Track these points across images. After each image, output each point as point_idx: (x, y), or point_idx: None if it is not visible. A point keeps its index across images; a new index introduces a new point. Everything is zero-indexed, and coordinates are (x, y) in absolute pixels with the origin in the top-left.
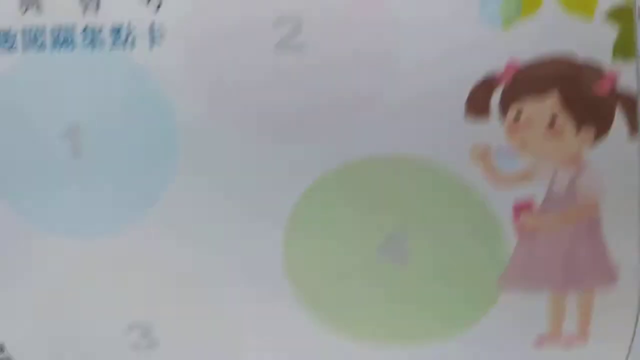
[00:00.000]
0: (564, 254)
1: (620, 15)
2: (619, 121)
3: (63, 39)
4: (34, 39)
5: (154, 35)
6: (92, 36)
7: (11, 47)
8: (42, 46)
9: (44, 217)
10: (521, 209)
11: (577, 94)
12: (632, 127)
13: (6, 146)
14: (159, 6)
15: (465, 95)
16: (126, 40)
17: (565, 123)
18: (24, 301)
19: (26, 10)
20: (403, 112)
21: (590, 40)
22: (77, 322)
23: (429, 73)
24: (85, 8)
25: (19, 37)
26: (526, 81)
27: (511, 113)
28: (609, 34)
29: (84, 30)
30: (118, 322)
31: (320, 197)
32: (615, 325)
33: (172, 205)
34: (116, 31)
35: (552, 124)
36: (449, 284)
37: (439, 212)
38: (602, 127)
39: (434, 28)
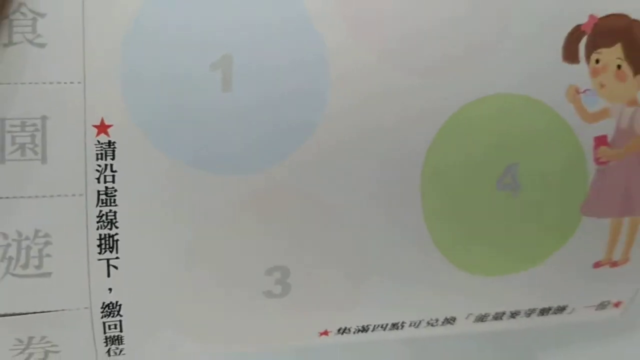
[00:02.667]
0: (624, 182)
1: None
2: None
3: None
4: None
5: None
6: None
7: None
8: None
9: (191, 153)
10: (599, 142)
11: (634, 46)
12: None
13: (152, 76)
14: None
15: (562, 43)
16: None
17: (627, 69)
18: (161, 244)
19: None
20: (517, 56)
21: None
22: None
23: (535, 22)
24: None
25: None
26: (600, 34)
27: (592, 60)
28: None
29: None
30: (259, 266)
31: (452, 133)
32: None
33: (321, 142)
34: None
35: (619, 69)
36: (547, 210)
37: (543, 144)
38: None
39: None
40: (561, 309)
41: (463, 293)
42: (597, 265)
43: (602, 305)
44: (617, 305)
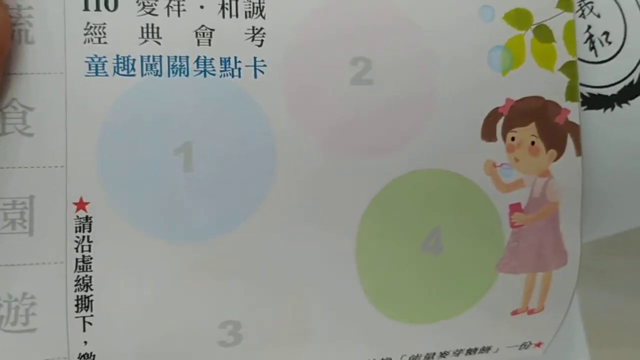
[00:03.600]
0: (537, 243)
1: (569, 69)
2: (570, 145)
3: (178, 67)
4: (151, 66)
5: (256, 67)
6: (204, 66)
7: (130, 71)
8: (158, 73)
9: (156, 225)
10: (513, 209)
11: (546, 125)
12: (577, 148)
13: (124, 160)
14: (261, 44)
15: (481, 124)
16: (234, 69)
17: (540, 145)
18: (128, 303)
19: (145, 41)
20: (441, 137)
21: (553, 86)
22: (174, 322)
23: (458, 107)
24: (199, 42)
25: (137, 63)
26: (517, 115)
27: (508, 137)
28: (564, 81)
29: (197, 60)
30: (213, 321)
31: (383, 205)
32: (559, 298)
33: (268, 213)
34: (226, 61)
35: (532, 145)
36: (466, 268)
37: (463, 212)
38: (560, 148)
39: (466, 67)
40: (486, 349)
41: (395, 338)
42: (514, 313)
43: (524, 345)
44: (538, 345)
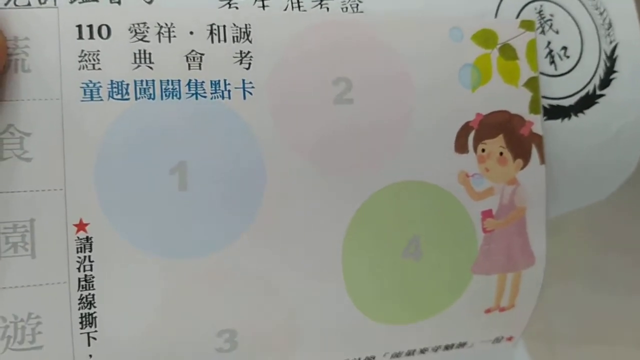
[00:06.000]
0: (507, 245)
1: (531, 84)
2: (534, 154)
3: (171, 91)
4: (144, 90)
5: (245, 88)
6: (195, 89)
7: (124, 95)
8: (151, 96)
9: (154, 243)
10: (485, 215)
11: (512, 136)
12: (541, 157)
13: (121, 181)
14: (248, 66)
15: (454, 137)
16: (223, 91)
17: (508, 155)
18: (130, 317)
19: (138, 66)
20: (417, 150)
21: (517, 100)
22: (174, 333)
23: (432, 123)
24: (189, 66)
25: (131, 87)
26: (486, 128)
27: (479, 149)
28: (527, 95)
29: (188, 83)
30: (210, 330)
31: (366, 217)
32: (528, 296)
33: (260, 229)
34: (216, 84)
35: (501, 156)
36: (444, 271)
37: (440, 220)
38: (526, 157)
39: (439, 85)
40: (462, 344)
41: (379, 338)
42: (487, 311)
43: (497, 340)
44: (509, 339)
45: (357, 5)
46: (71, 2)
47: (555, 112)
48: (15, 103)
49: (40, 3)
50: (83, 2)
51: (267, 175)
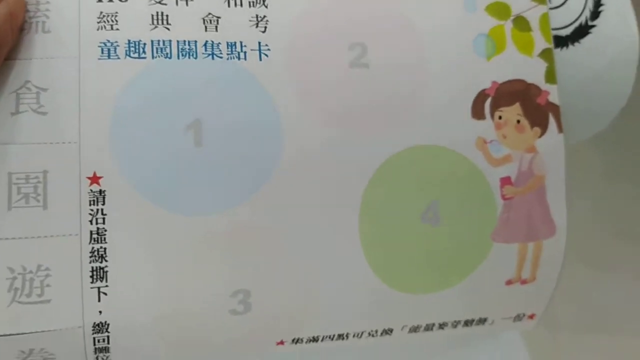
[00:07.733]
0: (527, 214)
1: (546, 55)
2: (552, 123)
3: (187, 51)
4: (161, 49)
5: (261, 50)
6: (212, 49)
7: (141, 54)
8: (168, 55)
9: (167, 198)
10: (504, 182)
11: (529, 105)
12: (559, 126)
13: (136, 136)
14: (264, 30)
15: (470, 104)
16: (239, 53)
17: (525, 123)
18: (142, 273)
19: (155, 27)
20: (434, 115)
21: (533, 70)
22: (187, 292)
23: (448, 88)
24: (206, 28)
25: (148, 47)
26: (502, 96)
27: (496, 116)
28: (542, 65)
29: (205, 44)
30: (224, 290)
31: (383, 179)
32: (549, 269)
33: (275, 188)
34: (232, 45)
35: (518, 123)
36: (463, 237)
37: (458, 185)
38: (543, 126)
39: (453, 53)
40: (482, 321)
41: (397, 308)
42: (508, 282)
43: (518, 317)
44: (531, 317)
45: None
46: None
47: (555, 42)
48: (33, 61)
49: None
50: None
51: (283, 135)
